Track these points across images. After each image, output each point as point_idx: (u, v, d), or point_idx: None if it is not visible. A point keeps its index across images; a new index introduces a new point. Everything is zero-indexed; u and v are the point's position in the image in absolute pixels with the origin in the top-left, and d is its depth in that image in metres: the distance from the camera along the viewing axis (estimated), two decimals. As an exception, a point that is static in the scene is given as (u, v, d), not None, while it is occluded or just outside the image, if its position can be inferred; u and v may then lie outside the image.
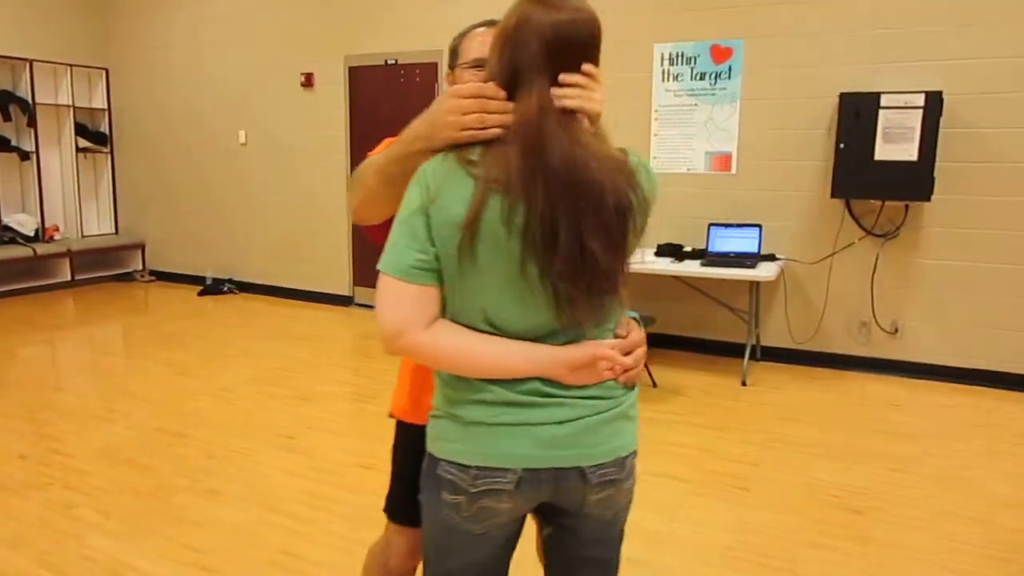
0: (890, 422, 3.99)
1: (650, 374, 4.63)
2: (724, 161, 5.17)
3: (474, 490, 1.20)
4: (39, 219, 7.40)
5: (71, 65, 7.57)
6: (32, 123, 7.27)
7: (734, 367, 4.85)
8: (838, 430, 3.86)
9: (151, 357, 5.14)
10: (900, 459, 3.49)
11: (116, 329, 6.03)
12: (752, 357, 5.05)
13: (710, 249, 4.94)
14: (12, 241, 7.10)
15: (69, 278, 7.45)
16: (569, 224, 1.11)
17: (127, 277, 8.03)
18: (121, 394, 4.36)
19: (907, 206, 4.61)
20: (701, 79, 5.17)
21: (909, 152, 4.32)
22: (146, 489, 3.11)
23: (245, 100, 7.12)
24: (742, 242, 4.87)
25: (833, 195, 4.63)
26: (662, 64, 5.26)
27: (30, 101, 7.23)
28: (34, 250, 7.10)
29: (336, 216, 6.74)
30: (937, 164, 4.40)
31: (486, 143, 1.15)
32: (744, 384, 4.61)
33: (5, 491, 3.08)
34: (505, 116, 1.14)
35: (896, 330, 4.79)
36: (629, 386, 1.28)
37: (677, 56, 5.21)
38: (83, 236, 7.79)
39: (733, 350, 5.04)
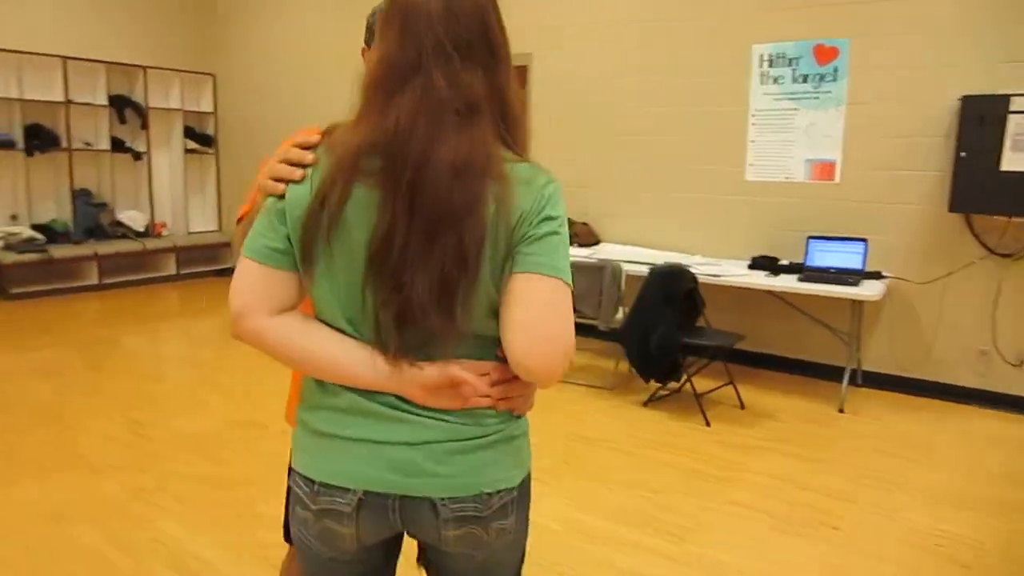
0: (1009, 465, 3.58)
1: (738, 395, 4.36)
2: (826, 170, 4.83)
3: (315, 507, 1.10)
4: (149, 216, 7.80)
5: (181, 71, 7.95)
6: (145, 126, 7.68)
7: (831, 392, 4.51)
8: (945, 470, 3.49)
9: (242, 349, 5.27)
10: (1020, 509, 3.11)
11: (213, 322, 6.24)
12: (852, 382, 4.68)
13: (808, 264, 4.61)
14: (124, 236, 7.51)
15: (174, 272, 7.81)
16: (405, 245, 1.00)
17: (228, 273, 8.32)
18: (209, 385, 4.49)
19: (1037, 223, 4.16)
20: (803, 81, 4.85)
21: (1043, 162, 3.89)
22: (219, 479, 3.16)
23: (339, 104, 7.23)
24: (844, 257, 4.52)
25: (951, 209, 4.22)
26: (760, 66, 4.98)
27: (144, 105, 7.62)
28: (143, 245, 7.48)
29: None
30: (1074, 176, 3.95)
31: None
32: (841, 411, 4.27)
33: (91, 471, 3.19)
34: (306, 155, 1.06)
35: (1022, 362, 4.32)
36: (513, 415, 1.13)
37: (777, 58, 4.92)
38: (189, 233, 8.16)
39: (831, 373, 4.69)
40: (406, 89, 1.01)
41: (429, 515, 1.07)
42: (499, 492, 1.09)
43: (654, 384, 4.36)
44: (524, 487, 1.15)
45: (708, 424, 3.98)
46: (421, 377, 1.04)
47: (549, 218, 1.03)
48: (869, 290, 4.19)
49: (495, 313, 1.05)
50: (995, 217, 4.23)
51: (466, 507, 1.07)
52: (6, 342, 5.34)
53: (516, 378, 1.08)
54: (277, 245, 1.05)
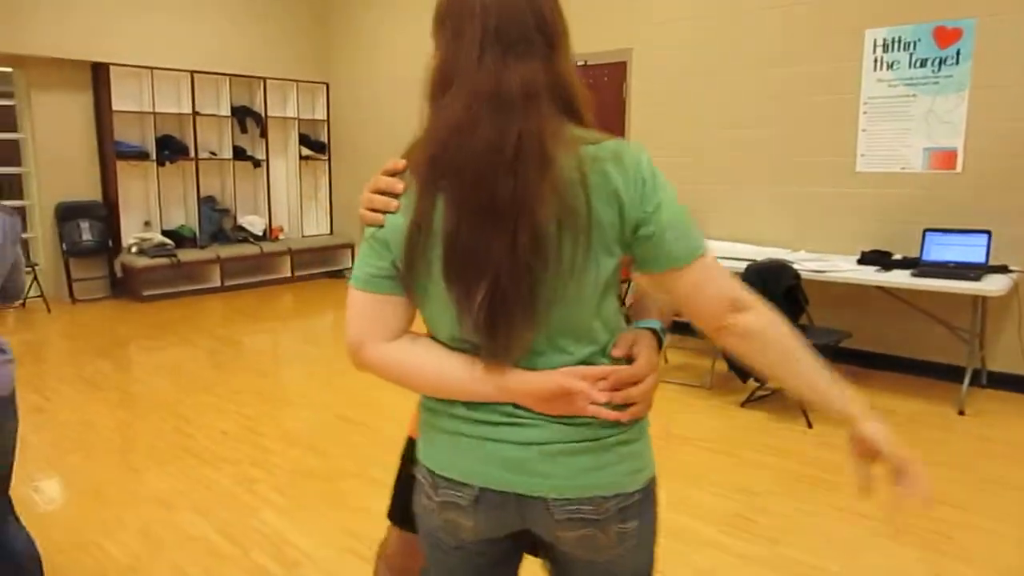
0: None
1: (845, 396, 4.15)
2: (947, 159, 4.53)
3: (438, 499, 1.12)
4: (267, 220, 8.27)
5: (297, 81, 8.38)
6: (264, 134, 8.14)
7: (951, 393, 4.22)
8: (1082, 478, 3.21)
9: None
10: None
11: (322, 322, 6.54)
12: (975, 383, 4.37)
13: (924, 258, 4.34)
14: (244, 240, 7.99)
15: (289, 274, 8.24)
16: (478, 233, 0.99)
17: (338, 275, 8.72)
18: (316, 382, 4.71)
19: None
20: (921, 66, 4.57)
21: None
22: (320, 472, 3.32)
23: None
24: (965, 250, 4.22)
25: (1086, 196, 3.88)
26: (874, 51, 4.72)
27: (263, 115, 8.09)
28: (261, 248, 7.93)
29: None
30: None
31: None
32: (962, 413, 4.00)
33: (203, 462, 3.42)
34: (396, 183, 1.06)
35: None
36: (629, 422, 1.09)
37: (893, 42, 4.65)
38: (303, 236, 8.59)
39: (951, 374, 4.39)
40: (464, 88, 1.02)
41: (544, 515, 1.08)
42: (616, 496, 1.08)
43: (752, 384, 4.23)
44: (647, 491, 1.13)
45: (810, 425, 3.82)
46: (530, 386, 1.04)
47: (660, 198, 1.02)
48: (992, 285, 3.90)
49: (601, 312, 1.05)
50: None
51: (582, 508, 1.07)
52: (136, 341, 5.81)
53: (634, 381, 1.07)
54: (382, 272, 1.07)
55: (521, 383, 1.04)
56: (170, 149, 7.47)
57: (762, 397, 4.21)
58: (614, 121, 6.05)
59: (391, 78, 7.97)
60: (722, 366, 4.44)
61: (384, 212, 1.06)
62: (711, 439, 3.68)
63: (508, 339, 1.02)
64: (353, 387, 4.54)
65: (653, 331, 1.14)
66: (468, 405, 1.09)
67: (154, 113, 7.30)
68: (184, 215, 7.78)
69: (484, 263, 0.99)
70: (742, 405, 4.15)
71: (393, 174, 1.08)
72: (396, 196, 1.06)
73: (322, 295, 7.69)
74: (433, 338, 1.12)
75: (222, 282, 7.62)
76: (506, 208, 0.97)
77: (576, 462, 1.06)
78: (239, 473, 3.30)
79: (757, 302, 1.05)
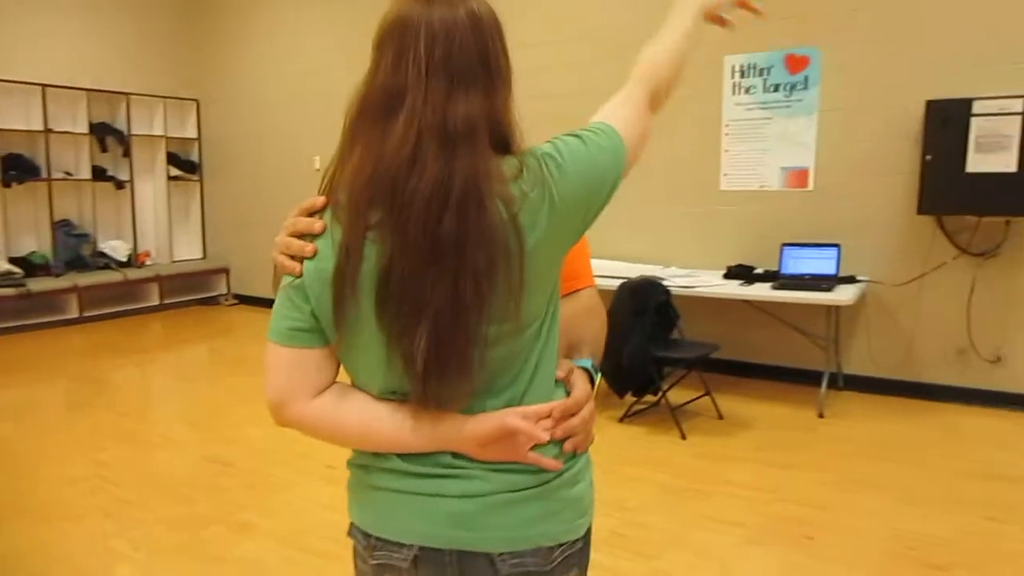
0: (990, 462, 3.56)
1: (715, 405, 4.33)
2: (800, 177, 4.84)
3: (373, 562, 1.05)
4: (132, 245, 7.79)
5: (165, 97, 7.97)
6: (127, 153, 7.68)
7: (811, 397, 4.48)
8: (926, 470, 3.46)
9: (218, 382, 5.25)
10: (998, 505, 3.08)
11: (192, 354, 6.21)
12: (833, 386, 4.67)
13: (783, 271, 4.61)
14: (106, 267, 7.49)
15: (158, 302, 7.78)
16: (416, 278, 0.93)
17: (212, 301, 8.32)
18: (182, 421, 4.45)
19: (1008, 222, 4.15)
20: (775, 91, 4.87)
21: (1007, 163, 3.89)
22: (180, 520, 3.10)
23: (321, 128, 7.27)
24: (818, 263, 4.52)
25: (920, 211, 4.23)
26: (733, 77, 4.99)
27: (126, 133, 7.63)
28: (125, 275, 7.45)
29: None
30: (1041, 175, 3.97)
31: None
32: (821, 416, 4.25)
33: (42, 521, 3.11)
34: (314, 224, 0.99)
35: (998, 358, 4.31)
36: (570, 455, 1.06)
37: (749, 68, 4.93)
38: (173, 261, 8.14)
39: (811, 379, 4.67)
40: (400, 116, 0.95)
41: (487, 570, 1.01)
42: (561, 545, 1.04)
43: (630, 399, 4.33)
44: (587, 537, 1.10)
45: (684, 437, 3.95)
46: (469, 431, 0.98)
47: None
48: (842, 295, 4.18)
49: (539, 353, 1.02)
50: (965, 217, 4.23)
51: (525, 562, 1.01)
52: (-16, 378, 5.31)
53: (575, 413, 1.03)
54: (302, 324, 1.00)
55: (459, 429, 0.98)
56: (18, 169, 6.90)
57: (640, 412, 4.32)
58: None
59: (267, 96, 7.73)
60: (602, 384, 4.53)
61: (302, 258, 0.99)
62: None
63: (446, 385, 0.95)
64: (220, 424, 4.32)
65: (584, 369, 1.12)
66: (404, 458, 1.02)
67: (-1, 130, 6.74)
68: (36, 241, 7.19)
69: (424, 305, 0.92)
70: (620, 420, 4.25)
71: (312, 213, 1.00)
72: (315, 237, 0.98)
73: (194, 324, 7.31)
74: (361, 390, 1.05)
75: (81, 313, 7.09)
76: (448, 248, 0.91)
77: (523, 512, 1.02)
78: (88, 529, 3.02)
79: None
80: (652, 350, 4.06)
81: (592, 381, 1.12)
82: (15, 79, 6.82)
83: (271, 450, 3.87)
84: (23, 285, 6.62)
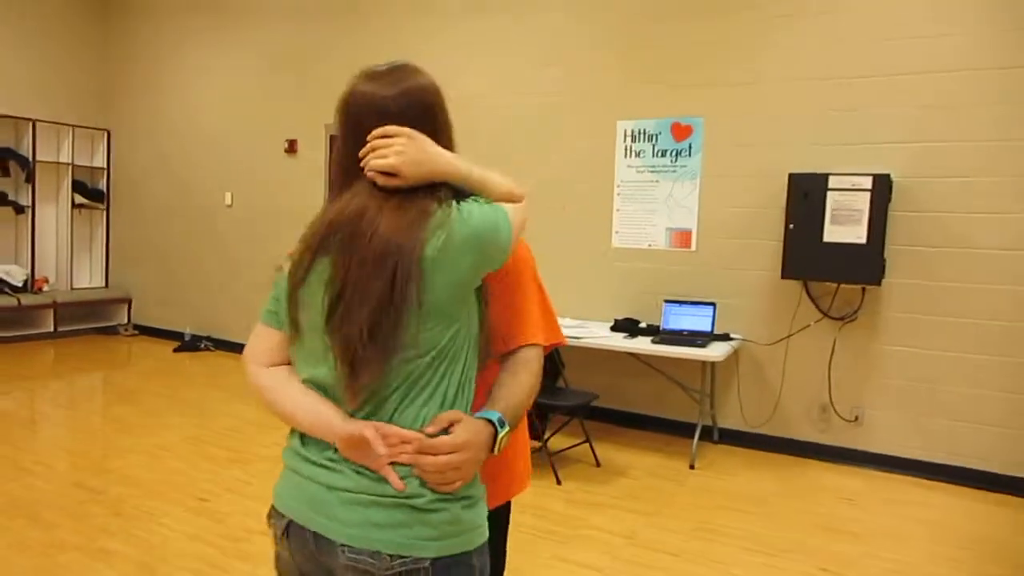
0: (839, 517, 3.79)
1: (594, 453, 4.50)
2: (684, 238, 5.14)
3: (271, 529, 1.29)
4: (29, 271, 7.57)
5: (74, 126, 7.86)
6: (30, 179, 7.52)
7: (687, 449, 4.70)
8: (779, 523, 3.68)
9: (101, 412, 5.14)
10: (835, 559, 3.30)
11: (81, 382, 6.05)
12: (709, 439, 4.91)
13: (664, 326, 4.87)
14: (1, 292, 7.25)
15: (52, 329, 7.55)
16: (348, 298, 1.16)
17: (111, 331, 8.12)
18: (56, 448, 4.35)
19: (864, 289, 4.52)
20: (663, 156, 5.19)
21: (858, 234, 4.26)
22: (37, 545, 3.06)
23: (233, 164, 7.30)
24: (696, 320, 4.79)
25: (783, 275, 4.56)
26: (624, 140, 5.31)
27: (30, 159, 7.48)
28: (19, 300, 7.23)
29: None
30: (890, 247, 4.35)
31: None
32: (692, 467, 4.46)
33: None
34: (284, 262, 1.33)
35: (856, 418, 4.63)
36: (439, 490, 1.18)
37: (639, 133, 5.26)
38: (72, 288, 7.93)
39: (688, 431, 4.90)
40: (356, 182, 1.23)
41: (336, 556, 1.16)
42: (401, 558, 1.13)
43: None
44: (449, 563, 1.17)
45: (559, 482, 4.09)
46: (342, 430, 1.18)
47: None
48: (715, 351, 4.44)
49: (451, 375, 1.22)
50: (826, 283, 4.58)
51: (362, 559, 1.14)
52: None
53: (440, 453, 1.15)
54: (272, 308, 1.32)
55: (341, 426, 1.18)
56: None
57: (521, 455, 4.44)
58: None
59: (180, 128, 7.72)
60: (487, 426, 4.64)
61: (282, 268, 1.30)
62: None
63: (358, 379, 1.15)
64: (96, 452, 4.24)
65: (489, 421, 1.23)
66: (303, 444, 1.25)
67: None
68: (-75, 263, 6.94)
69: (361, 303, 1.14)
70: (501, 464, 4.36)
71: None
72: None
73: (88, 352, 7.12)
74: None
75: (-32, 338, 6.84)
76: (378, 279, 1.14)
77: (365, 514, 1.15)
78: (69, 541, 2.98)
79: None
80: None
81: (495, 434, 1.22)
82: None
83: (145, 480, 3.83)
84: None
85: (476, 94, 5.84)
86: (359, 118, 1.23)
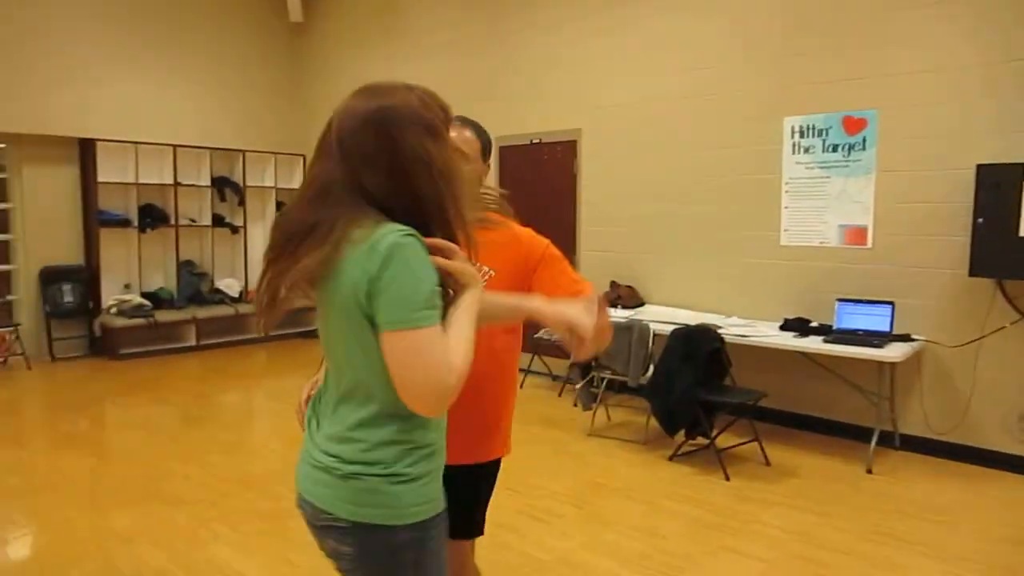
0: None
1: (763, 452, 4.49)
2: (859, 235, 4.99)
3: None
4: (243, 283, 8.63)
5: (275, 153, 8.88)
6: (242, 203, 8.59)
7: (863, 453, 4.55)
8: (963, 532, 3.51)
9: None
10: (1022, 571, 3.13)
11: (290, 380, 6.84)
12: (889, 445, 4.72)
13: (837, 326, 4.75)
14: (221, 301, 8.34)
15: (263, 335, 8.55)
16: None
17: (312, 335, 9.02)
18: (277, 435, 5.00)
19: (1068, 285, 4.17)
20: (833, 151, 5.07)
21: (1057, 227, 3.95)
22: (269, 512, 3.62)
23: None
24: (872, 320, 4.64)
25: (972, 273, 4.31)
26: (792, 137, 5.24)
27: (241, 185, 8.55)
28: (236, 309, 8.27)
29: (485, 285, 7.24)
30: (1097, 239, 4.00)
31: None
32: (869, 472, 4.33)
33: (164, 504, 3.70)
34: None
35: (1061, 425, 4.28)
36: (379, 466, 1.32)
37: (808, 129, 5.17)
38: (278, 299, 8.91)
39: (864, 435, 4.73)
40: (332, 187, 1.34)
41: (306, 512, 1.39)
42: (326, 514, 1.32)
43: (680, 438, 4.55)
44: (368, 530, 1.30)
45: (728, 478, 4.14)
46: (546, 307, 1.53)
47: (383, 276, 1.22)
48: (893, 352, 4.28)
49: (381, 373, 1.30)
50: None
51: (305, 509, 1.38)
52: (111, 397, 6.09)
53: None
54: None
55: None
56: (152, 217, 7.88)
57: (690, 452, 4.53)
58: (565, 193, 6.53)
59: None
60: (653, 423, 4.77)
61: None
62: (635, 489, 4.00)
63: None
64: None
65: None
66: (307, 432, 1.44)
67: (137, 184, 7.73)
68: (164, 278, 8.14)
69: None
70: (670, 459, 4.47)
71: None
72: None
73: (293, 354, 8.00)
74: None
75: (198, 341, 7.93)
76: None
77: (313, 475, 1.36)
78: (196, 513, 3.60)
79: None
80: (700, 393, 4.29)
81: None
82: (153, 141, 7.85)
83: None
84: (152, 316, 7.51)
85: (646, 97, 6.00)
86: (337, 142, 1.37)
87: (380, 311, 1.22)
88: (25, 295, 7.40)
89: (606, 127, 6.27)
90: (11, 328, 7.01)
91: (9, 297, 7.40)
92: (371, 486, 1.29)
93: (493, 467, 1.91)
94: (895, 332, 4.58)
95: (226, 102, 8.64)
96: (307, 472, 1.38)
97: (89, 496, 3.81)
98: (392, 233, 1.24)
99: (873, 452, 4.43)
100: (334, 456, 1.32)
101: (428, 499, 1.35)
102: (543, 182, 6.73)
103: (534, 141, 6.80)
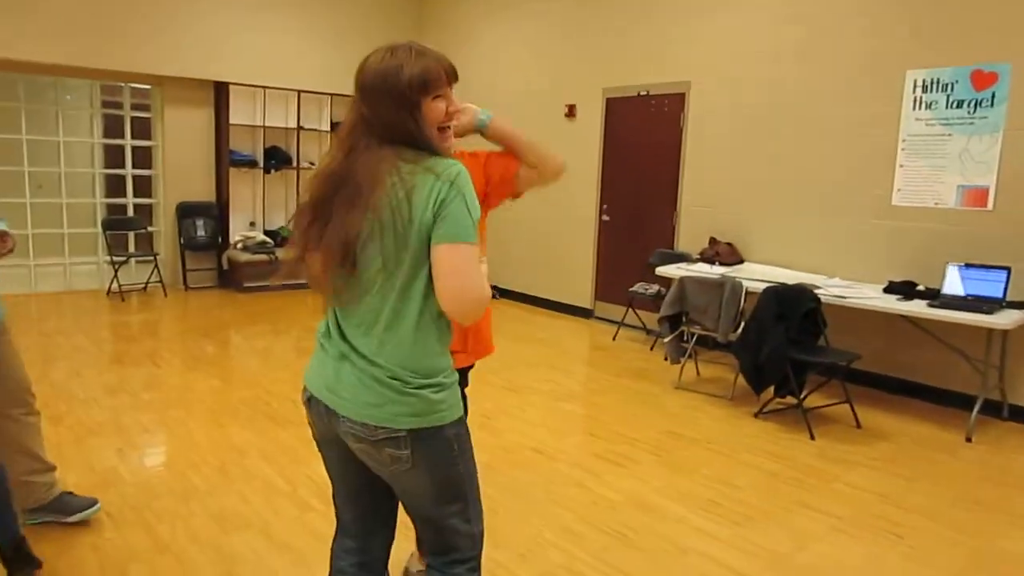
0: None
1: (855, 413, 4.42)
2: (979, 196, 4.72)
3: (303, 399, 1.66)
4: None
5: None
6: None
7: (963, 421, 4.40)
8: (1060, 504, 3.39)
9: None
10: None
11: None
12: (995, 414, 4.53)
13: (945, 290, 4.55)
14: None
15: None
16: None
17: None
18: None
19: None
20: (958, 107, 4.78)
21: None
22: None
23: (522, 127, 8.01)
24: (984, 285, 4.41)
25: (1101, 239, 4.02)
26: (914, 92, 4.96)
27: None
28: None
29: (584, 233, 7.31)
30: None
31: None
32: (969, 440, 4.19)
33: (274, 424, 4.08)
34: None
35: None
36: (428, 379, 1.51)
37: (932, 83, 4.88)
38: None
39: (967, 403, 4.56)
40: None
41: (339, 425, 1.53)
42: (383, 428, 1.46)
43: (767, 395, 4.54)
44: (420, 433, 1.48)
45: (813, 438, 4.12)
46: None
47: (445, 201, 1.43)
48: (1003, 319, 4.09)
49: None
50: None
51: (355, 428, 1.50)
52: (235, 326, 6.65)
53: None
54: None
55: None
56: (276, 159, 8.39)
57: (778, 411, 4.52)
58: (670, 146, 6.46)
59: (481, 97, 8.57)
60: (740, 380, 4.77)
61: None
62: (716, 441, 4.06)
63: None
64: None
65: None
66: (326, 336, 1.58)
67: (264, 127, 8.23)
68: (285, 218, 8.68)
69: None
70: (755, 415, 4.49)
71: None
72: None
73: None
74: None
75: (313, 279, 8.44)
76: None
77: (362, 396, 1.49)
78: (301, 434, 3.94)
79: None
80: (790, 352, 4.26)
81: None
82: (279, 86, 8.29)
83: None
84: (272, 253, 8.06)
85: (757, 50, 5.82)
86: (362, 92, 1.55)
87: (442, 226, 1.43)
88: (164, 228, 8.12)
89: (715, 80, 6.13)
90: (150, 258, 7.74)
91: (151, 228, 8.14)
92: (427, 397, 1.50)
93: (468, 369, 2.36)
94: (1009, 299, 4.35)
95: (345, 52, 8.97)
96: (354, 395, 1.50)
97: (211, 413, 4.26)
98: (453, 165, 1.47)
99: (975, 421, 4.28)
100: (396, 378, 1.48)
101: (459, 399, 1.58)
102: (649, 134, 6.68)
103: (642, 93, 6.73)
